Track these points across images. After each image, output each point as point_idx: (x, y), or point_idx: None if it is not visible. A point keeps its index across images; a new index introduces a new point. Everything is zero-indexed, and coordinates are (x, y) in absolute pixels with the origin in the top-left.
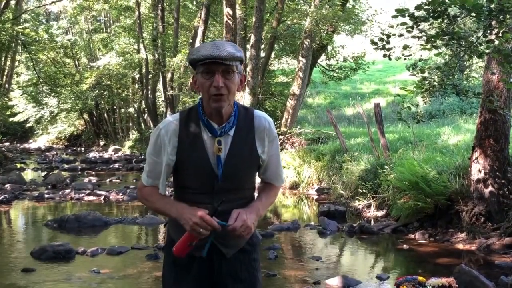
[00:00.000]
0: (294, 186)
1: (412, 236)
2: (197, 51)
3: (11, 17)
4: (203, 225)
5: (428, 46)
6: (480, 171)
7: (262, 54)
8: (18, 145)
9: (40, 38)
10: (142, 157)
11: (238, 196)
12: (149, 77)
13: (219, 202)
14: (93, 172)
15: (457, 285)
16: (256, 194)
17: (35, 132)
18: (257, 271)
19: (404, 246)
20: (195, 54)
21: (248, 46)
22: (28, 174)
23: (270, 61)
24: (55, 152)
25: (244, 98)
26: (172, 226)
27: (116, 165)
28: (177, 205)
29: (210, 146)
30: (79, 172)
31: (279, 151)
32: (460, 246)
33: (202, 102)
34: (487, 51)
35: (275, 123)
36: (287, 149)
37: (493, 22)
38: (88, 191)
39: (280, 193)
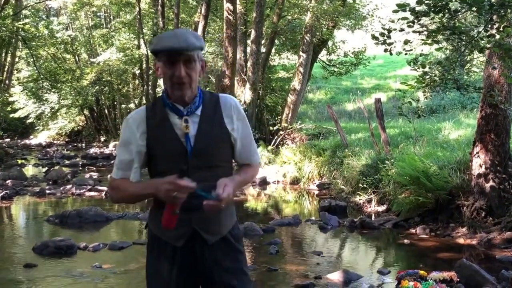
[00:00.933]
0: (295, 182)
1: (413, 230)
2: (158, 41)
3: (11, 13)
4: (174, 188)
5: (429, 41)
6: (481, 166)
7: (263, 50)
8: (19, 141)
9: (40, 34)
10: None
11: (213, 174)
12: (150, 72)
13: (185, 167)
14: (94, 168)
15: (458, 279)
16: None
17: (36, 128)
18: (241, 264)
19: (405, 240)
20: (157, 45)
21: (248, 41)
22: (29, 170)
23: (270, 56)
24: (56, 148)
25: (244, 93)
26: (151, 220)
27: None
28: (149, 181)
29: (179, 126)
30: (80, 168)
31: (250, 131)
32: (461, 240)
33: (166, 91)
34: (488, 45)
35: (276, 118)
36: (288, 145)
37: (494, 17)
38: (89, 187)
39: (281, 188)
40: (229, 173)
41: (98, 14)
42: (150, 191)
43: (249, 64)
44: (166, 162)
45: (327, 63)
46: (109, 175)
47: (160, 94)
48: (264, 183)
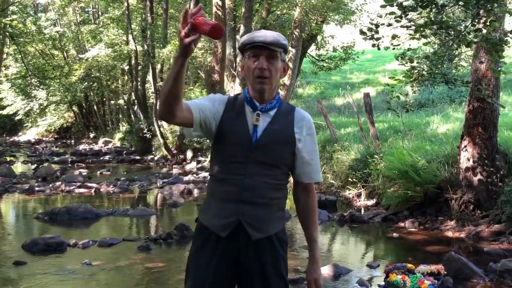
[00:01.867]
0: None
1: (402, 224)
2: (246, 37)
3: None
4: (185, 17)
5: (417, 36)
6: (469, 159)
7: None
8: (7, 138)
9: (28, 30)
10: (133, 149)
11: (270, 173)
12: (139, 68)
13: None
14: (84, 165)
15: (445, 272)
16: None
17: (25, 125)
18: (282, 269)
19: (394, 234)
20: (244, 39)
21: (237, 37)
22: (18, 167)
23: None
24: (45, 145)
25: (234, 89)
26: (204, 209)
27: (107, 157)
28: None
29: (250, 119)
30: (69, 165)
31: (317, 149)
32: (450, 233)
33: (248, 88)
34: (475, 40)
35: None
36: None
37: (481, 11)
38: (78, 184)
39: None
40: (283, 178)
41: (86, 9)
42: (177, 55)
43: (238, 59)
44: (230, 147)
45: (316, 58)
46: (98, 172)
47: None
48: None
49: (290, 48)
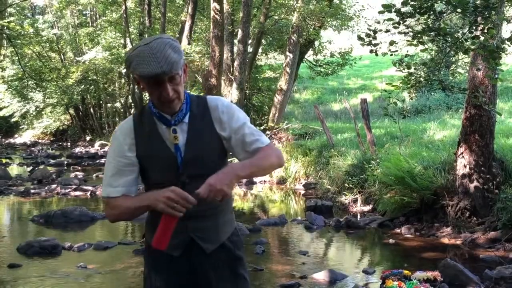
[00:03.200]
0: (281, 181)
1: (398, 230)
2: (137, 64)
3: None
4: (176, 198)
5: (415, 42)
6: (465, 166)
7: (250, 49)
8: (3, 140)
9: (26, 32)
10: None
11: None
12: None
13: (184, 179)
14: (79, 167)
15: (442, 279)
16: None
17: (21, 127)
18: (241, 269)
19: (390, 240)
20: (137, 69)
21: (235, 41)
22: (14, 169)
23: (257, 56)
24: (41, 147)
25: (231, 93)
26: (148, 232)
27: (103, 160)
28: (146, 193)
29: (167, 136)
30: (65, 167)
31: (242, 119)
32: (446, 240)
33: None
34: (472, 47)
35: (263, 118)
36: (275, 144)
37: (479, 18)
38: (74, 186)
39: (267, 188)
40: None
41: (84, 12)
42: (146, 203)
43: (236, 63)
44: (159, 173)
45: (314, 63)
46: (94, 175)
47: (147, 103)
48: (250, 182)
49: (287, 53)
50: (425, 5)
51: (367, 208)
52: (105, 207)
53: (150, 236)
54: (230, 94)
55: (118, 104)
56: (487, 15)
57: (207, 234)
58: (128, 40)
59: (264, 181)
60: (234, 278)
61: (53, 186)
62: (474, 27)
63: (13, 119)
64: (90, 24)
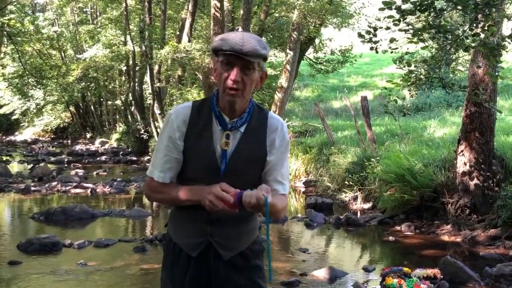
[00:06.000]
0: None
1: (398, 228)
2: (222, 39)
3: None
4: (218, 204)
5: (415, 39)
6: (465, 164)
7: None
8: (4, 137)
9: (26, 30)
10: (129, 149)
11: None
12: (136, 69)
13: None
14: (80, 165)
15: (441, 276)
16: None
17: (21, 125)
18: (257, 279)
19: (390, 238)
20: (218, 43)
21: None
22: (14, 167)
23: None
24: (41, 145)
25: None
26: (172, 225)
27: (103, 158)
28: (195, 188)
29: (218, 138)
30: (66, 165)
31: (287, 157)
32: (446, 237)
33: (218, 93)
34: (473, 44)
35: None
36: None
37: (479, 16)
38: (74, 184)
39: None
40: None
41: (85, 10)
42: (196, 198)
43: None
44: (197, 171)
45: (314, 60)
46: (95, 172)
47: (212, 95)
48: None
49: (288, 51)
50: (426, 2)
51: (367, 205)
52: (146, 185)
53: (172, 230)
54: None
55: (118, 102)
56: (488, 13)
57: (227, 241)
58: (128, 37)
59: None
60: (251, 286)
61: (54, 183)
62: (474, 25)
63: (14, 117)
64: (91, 22)
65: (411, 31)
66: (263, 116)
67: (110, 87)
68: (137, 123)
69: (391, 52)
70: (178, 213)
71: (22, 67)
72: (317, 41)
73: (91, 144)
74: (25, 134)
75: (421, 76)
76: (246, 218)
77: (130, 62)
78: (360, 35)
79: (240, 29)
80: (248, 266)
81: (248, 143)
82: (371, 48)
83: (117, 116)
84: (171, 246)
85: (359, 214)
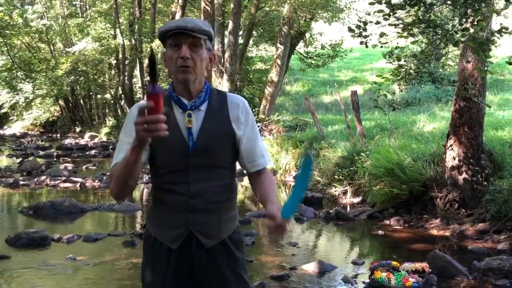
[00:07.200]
0: (272, 173)
1: (387, 222)
2: (165, 25)
3: None
4: (142, 125)
5: (405, 34)
6: (454, 158)
7: (240, 41)
8: None
9: (15, 23)
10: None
11: (215, 176)
12: (126, 63)
13: (191, 165)
14: (69, 159)
15: (430, 270)
16: (253, 189)
17: (10, 118)
18: (240, 270)
19: (379, 232)
20: (163, 28)
21: (226, 32)
22: (3, 161)
23: (248, 47)
24: (30, 139)
25: (222, 85)
26: (150, 221)
27: (93, 152)
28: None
29: (181, 120)
30: (55, 159)
31: (257, 132)
32: (434, 232)
33: (173, 82)
34: (462, 39)
35: (253, 110)
36: (265, 136)
37: (469, 11)
38: (64, 178)
39: None
40: (230, 177)
41: (74, 3)
42: (132, 145)
43: (226, 55)
44: (168, 156)
45: (305, 55)
46: (84, 166)
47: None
48: (240, 174)
49: (278, 45)
50: None
51: (356, 199)
52: (108, 181)
53: (151, 224)
54: (220, 85)
55: (108, 96)
56: (477, 7)
57: (208, 229)
58: (118, 30)
59: None
60: (232, 277)
61: (43, 177)
62: (464, 19)
63: (2, 110)
64: (80, 15)
65: (401, 25)
66: (222, 95)
67: (100, 80)
68: None
69: (381, 47)
70: (156, 206)
71: (10, 60)
72: (307, 35)
73: (80, 138)
74: (14, 128)
75: (411, 71)
76: (226, 206)
77: (120, 56)
78: (350, 30)
79: (231, 23)
80: (230, 257)
81: (211, 120)
82: (361, 43)
83: (107, 110)
84: (151, 242)
85: (348, 208)
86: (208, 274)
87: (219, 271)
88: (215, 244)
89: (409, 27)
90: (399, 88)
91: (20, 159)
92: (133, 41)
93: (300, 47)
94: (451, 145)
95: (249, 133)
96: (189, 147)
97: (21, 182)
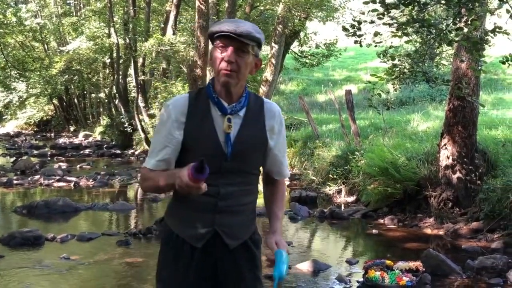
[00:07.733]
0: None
1: (381, 221)
2: (216, 24)
3: None
4: (188, 190)
5: (399, 33)
6: (448, 158)
7: None
8: None
9: (8, 21)
10: (113, 143)
11: (244, 180)
12: (120, 62)
13: (225, 170)
14: (63, 158)
15: (424, 269)
16: (262, 188)
17: (4, 117)
18: (258, 271)
19: (374, 231)
20: (214, 27)
21: None
22: None
23: None
24: (24, 138)
25: None
26: (172, 217)
27: (87, 151)
28: (172, 171)
29: (219, 124)
30: (49, 158)
31: (285, 143)
32: (428, 231)
33: (213, 81)
34: (456, 38)
35: None
36: None
37: (463, 10)
38: (58, 177)
39: None
40: (255, 181)
41: (68, 1)
42: (171, 181)
43: None
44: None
45: (299, 54)
46: (78, 166)
47: (206, 85)
48: None
49: (273, 44)
50: None
51: (351, 199)
52: (140, 176)
53: (172, 221)
54: None
55: (102, 95)
56: (471, 7)
57: (233, 230)
58: (112, 29)
59: None
60: (251, 279)
61: (37, 177)
62: (458, 19)
63: None
64: (74, 14)
65: (395, 25)
66: (260, 102)
67: (94, 79)
68: (121, 116)
69: (375, 46)
70: (180, 204)
71: (4, 59)
72: (302, 34)
73: (74, 137)
74: (8, 127)
75: (405, 70)
76: (250, 208)
77: (114, 55)
78: (344, 29)
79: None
80: (250, 258)
81: (249, 127)
82: (356, 42)
83: (101, 109)
84: (173, 238)
85: (343, 207)
86: (229, 275)
87: (240, 272)
88: (238, 244)
89: (403, 27)
90: (393, 87)
91: (14, 158)
92: (127, 40)
93: (295, 46)
94: (445, 144)
95: (280, 145)
96: (226, 152)
97: (15, 182)
